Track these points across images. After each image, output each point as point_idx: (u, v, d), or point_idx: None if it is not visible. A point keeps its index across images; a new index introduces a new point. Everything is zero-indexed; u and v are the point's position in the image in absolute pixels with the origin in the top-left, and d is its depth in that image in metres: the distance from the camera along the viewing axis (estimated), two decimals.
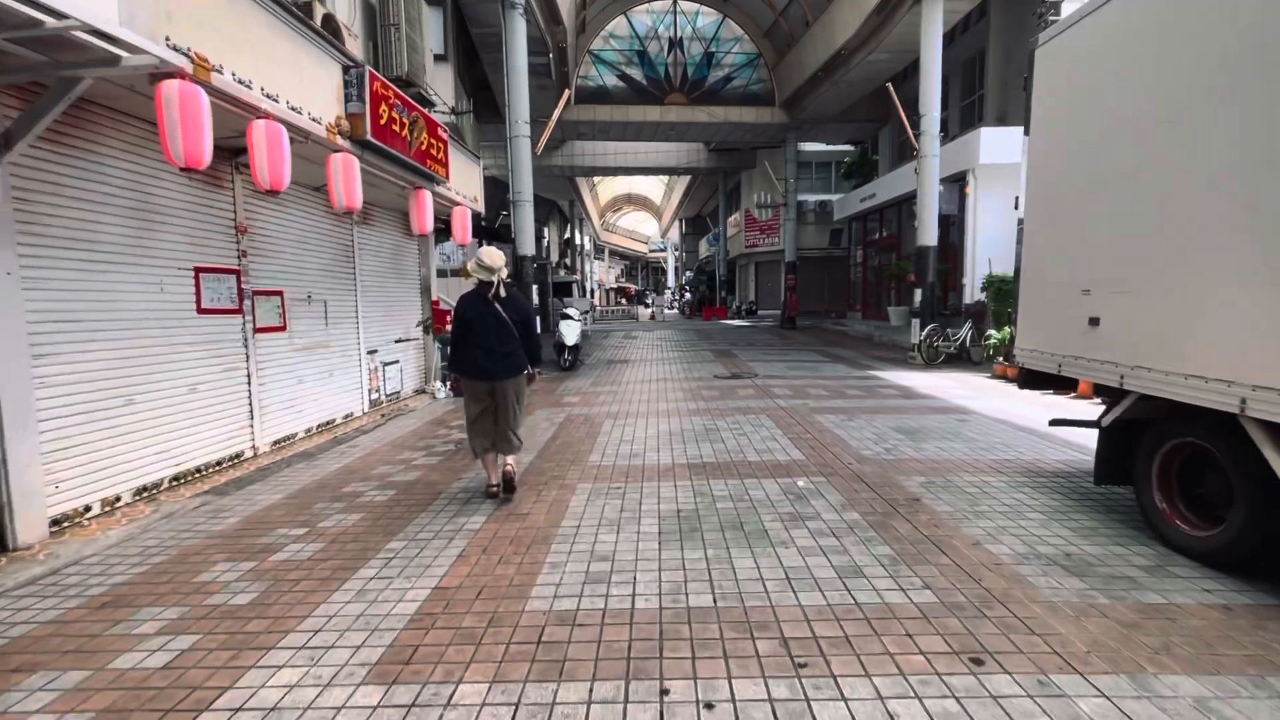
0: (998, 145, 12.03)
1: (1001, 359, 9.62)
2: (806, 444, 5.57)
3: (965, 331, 11.21)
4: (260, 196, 5.69)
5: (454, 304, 4.43)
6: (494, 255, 4.06)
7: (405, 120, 6.27)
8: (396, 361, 8.54)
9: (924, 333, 10.87)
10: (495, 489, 4.22)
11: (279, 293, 6.02)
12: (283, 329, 6.07)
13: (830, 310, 28.68)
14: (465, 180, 8.82)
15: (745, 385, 9.09)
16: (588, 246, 57.92)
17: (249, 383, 5.51)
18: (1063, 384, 4.42)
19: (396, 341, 8.58)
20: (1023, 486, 4.29)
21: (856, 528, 3.59)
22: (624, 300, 43.33)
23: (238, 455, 5.37)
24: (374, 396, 7.88)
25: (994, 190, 12.55)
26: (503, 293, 4.03)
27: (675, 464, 5.06)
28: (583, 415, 7.25)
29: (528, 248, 11.30)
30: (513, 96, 11.17)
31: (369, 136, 5.52)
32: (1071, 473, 4.62)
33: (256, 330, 5.61)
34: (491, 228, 13.78)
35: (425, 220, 6.94)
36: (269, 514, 4.08)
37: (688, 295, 38.57)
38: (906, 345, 13.98)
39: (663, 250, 70.92)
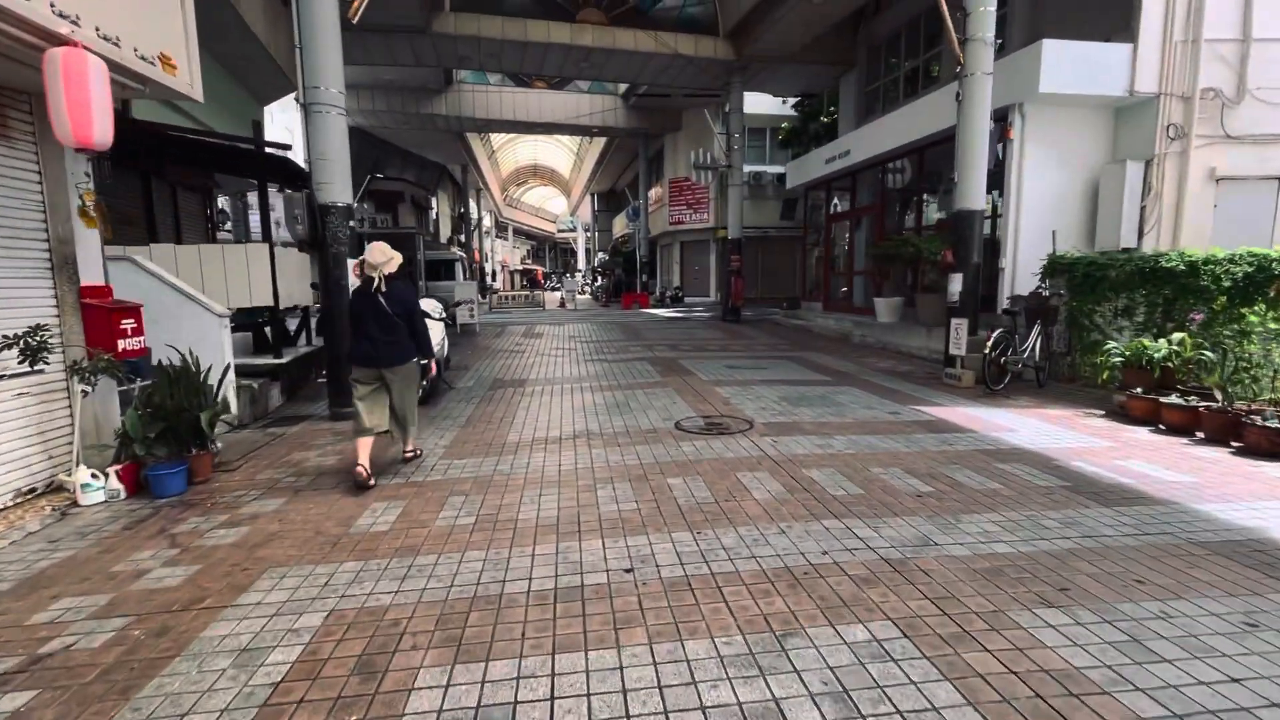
0: (1067, 67, 8.35)
1: (1140, 390, 5.85)
2: None
3: (1034, 339, 7.47)
4: None
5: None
6: (375, 251, 4.33)
7: None
8: None
9: (990, 342, 6.98)
10: (363, 474, 4.13)
11: None
12: None
13: (779, 299, 25.22)
14: (114, 5, 3.75)
15: (746, 455, 4.73)
16: (487, 223, 51.82)
17: None
18: None
19: None
20: None
21: None
22: (527, 285, 38.01)
23: None
24: None
25: (1053, 134, 8.89)
26: (384, 287, 4.30)
27: None
28: (369, 611, 2.56)
29: (335, 193, 6.30)
30: None
31: None
32: None
33: None
34: (280, 160, 8.44)
35: None
36: None
37: (600, 280, 33.98)
38: (912, 352, 10.22)
39: (572, 230, 65.73)
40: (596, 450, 4.96)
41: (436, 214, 34.74)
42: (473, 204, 42.17)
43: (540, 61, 15.80)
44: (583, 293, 39.85)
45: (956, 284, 8.04)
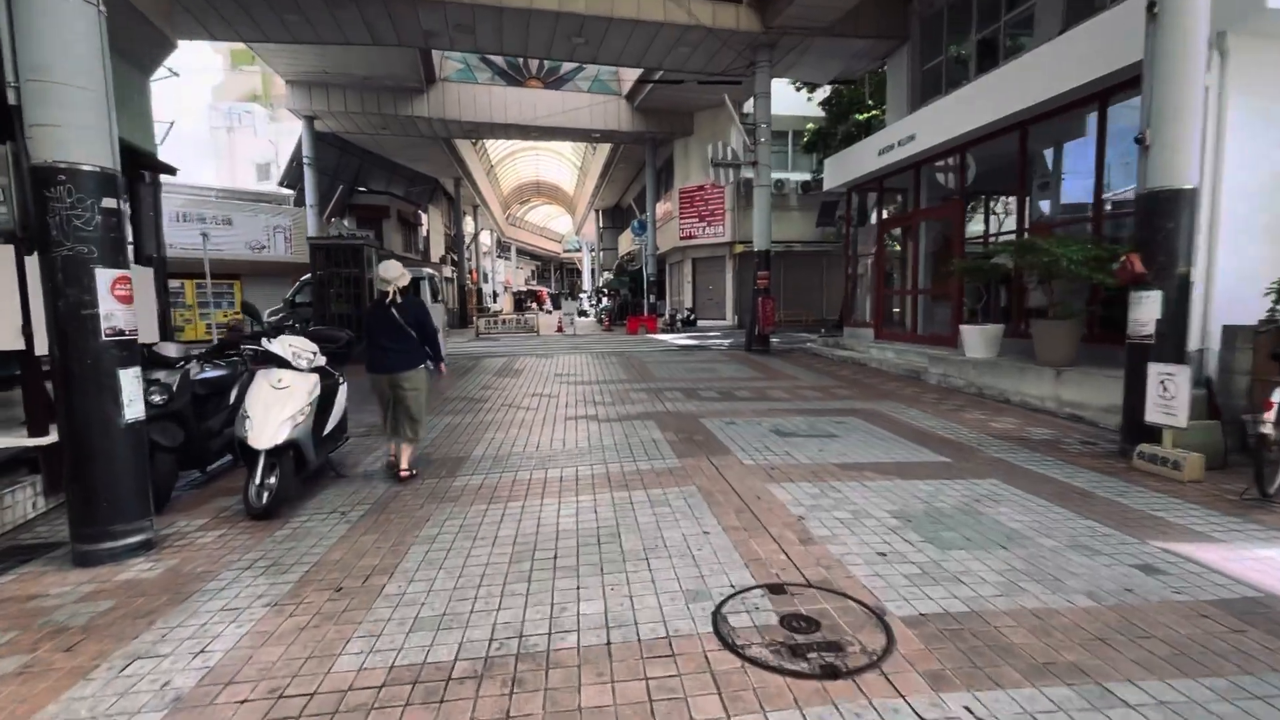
0: None
1: None
2: None
3: None
4: None
5: None
6: (388, 269, 4.70)
7: None
8: None
9: (1275, 411, 3.89)
10: (405, 473, 4.74)
11: None
12: None
13: (806, 322, 22.39)
14: None
15: None
16: (487, 242, 49.48)
17: None
18: None
19: None
20: None
21: None
22: (517, 310, 35.06)
23: None
24: None
25: (1271, 81, 5.88)
26: (398, 299, 4.67)
27: None
28: None
29: (70, 145, 3.36)
30: None
31: None
32: None
33: None
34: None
35: None
36: None
37: (605, 301, 31.14)
38: (1030, 403, 7.13)
39: (577, 250, 63.39)
40: None
41: (428, 231, 32.19)
42: (469, 221, 39.71)
43: (523, 38, 13.05)
44: (584, 314, 37.07)
45: (1151, 307, 4.98)
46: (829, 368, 11.06)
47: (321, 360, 4.74)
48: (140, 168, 5.72)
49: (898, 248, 12.63)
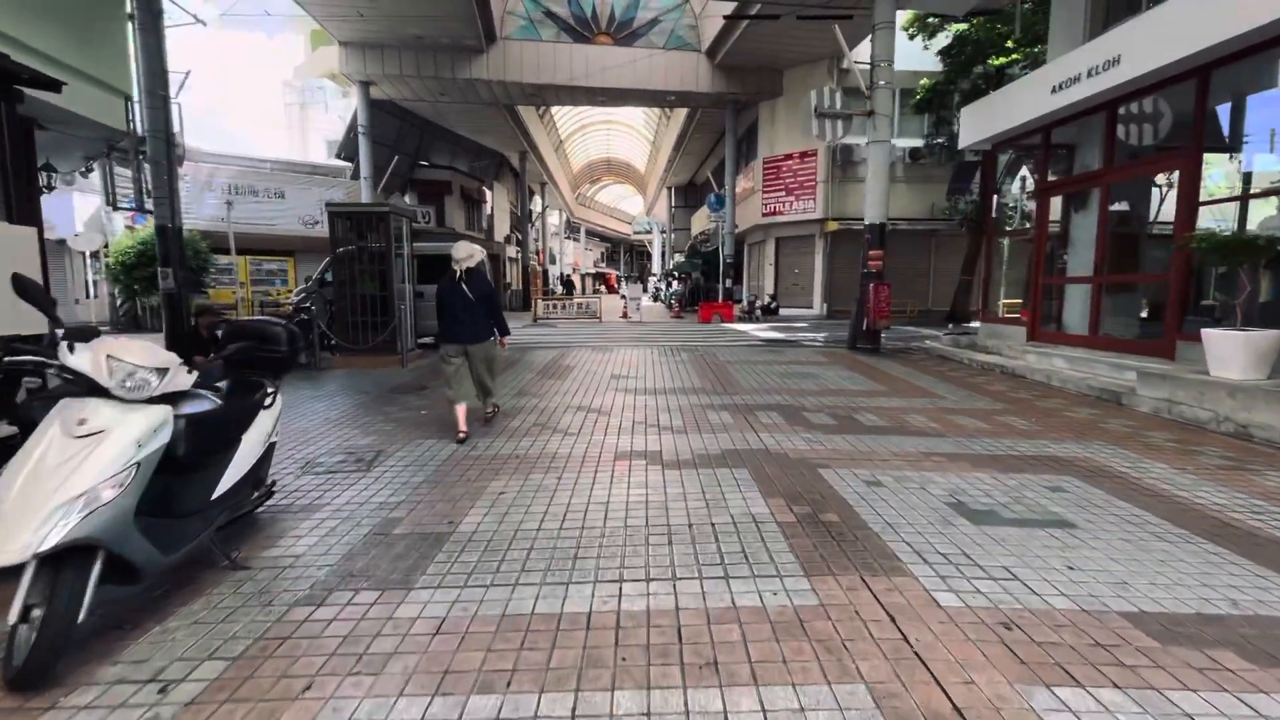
0: None
1: None
2: None
3: None
4: None
5: None
6: (459, 249, 5.13)
7: None
8: None
9: None
10: (463, 435, 4.98)
11: None
12: None
13: (909, 313, 19.59)
14: None
15: None
16: (555, 222, 48.05)
17: None
18: None
19: None
20: None
21: None
22: (567, 293, 33.17)
23: None
24: None
25: None
26: (466, 278, 5.11)
27: None
28: None
29: None
30: None
31: None
32: None
33: None
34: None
35: None
36: None
37: (675, 285, 28.80)
38: None
39: (648, 231, 61.18)
40: None
41: (492, 208, 30.81)
42: (536, 199, 38.21)
43: None
44: (655, 299, 34.94)
45: None
46: (970, 378, 8.35)
47: (185, 381, 2.73)
48: (13, 82, 3.92)
49: (1050, 222, 9.59)
